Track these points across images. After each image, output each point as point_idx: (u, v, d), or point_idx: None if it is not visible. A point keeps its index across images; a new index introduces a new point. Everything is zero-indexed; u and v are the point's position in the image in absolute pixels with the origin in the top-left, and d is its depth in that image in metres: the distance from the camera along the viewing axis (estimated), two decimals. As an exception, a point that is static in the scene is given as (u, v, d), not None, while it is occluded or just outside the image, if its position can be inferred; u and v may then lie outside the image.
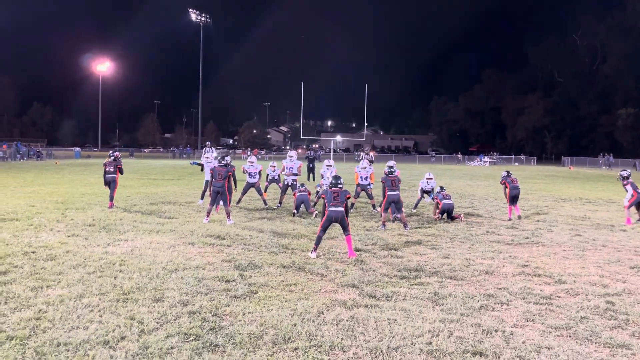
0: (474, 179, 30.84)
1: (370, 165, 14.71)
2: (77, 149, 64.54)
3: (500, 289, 6.72)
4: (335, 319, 5.36)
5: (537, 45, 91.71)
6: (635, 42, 74.41)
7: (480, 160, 63.17)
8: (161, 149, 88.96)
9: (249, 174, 14.47)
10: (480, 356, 4.49)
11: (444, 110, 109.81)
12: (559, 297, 6.45)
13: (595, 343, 4.92)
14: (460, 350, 4.61)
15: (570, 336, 5.08)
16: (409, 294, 6.33)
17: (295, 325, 5.12)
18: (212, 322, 5.12)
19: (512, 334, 5.04)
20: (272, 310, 5.59)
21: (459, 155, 69.82)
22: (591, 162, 60.31)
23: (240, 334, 4.86)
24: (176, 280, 6.61)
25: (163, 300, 5.77)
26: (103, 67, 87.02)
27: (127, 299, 5.78)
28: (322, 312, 5.56)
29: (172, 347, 4.49)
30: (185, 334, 4.79)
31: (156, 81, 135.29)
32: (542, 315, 5.68)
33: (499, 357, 4.48)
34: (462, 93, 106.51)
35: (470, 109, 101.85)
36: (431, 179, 15.05)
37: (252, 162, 14.65)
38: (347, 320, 5.31)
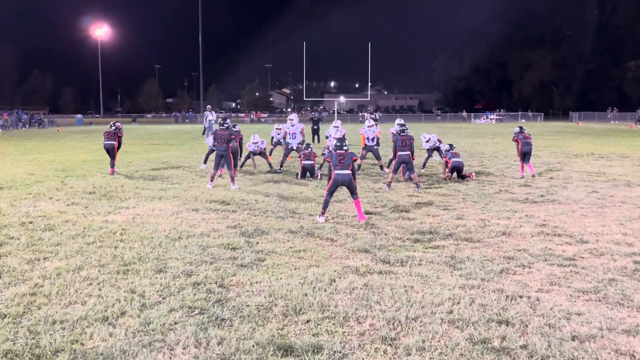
0: (481, 137, 30.30)
1: (376, 124, 14.21)
2: (79, 116, 63.99)
3: (520, 250, 6.39)
4: (348, 287, 5.05)
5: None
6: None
7: (487, 118, 62.27)
8: (164, 114, 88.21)
9: (254, 153, 14.08)
10: (507, 325, 4.18)
11: (448, 68, 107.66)
12: (583, 257, 6.11)
13: (628, 307, 4.59)
14: (484, 319, 4.30)
15: (599, 300, 4.75)
16: (424, 259, 6.01)
17: (306, 295, 4.81)
18: (217, 294, 4.82)
19: (538, 300, 4.72)
20: (281, 279, 5.29)
21: (464, 113, 68.79)
22: (600, 116, 59.32)
23: (248, 305, 4.56)
24: (179, 249, 6.31)
25: (166, 271, 5.47)
26: (101, 31, 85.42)
27: (128, 270, 5.48)
28: (334, 280, 5.25)
29: (175, 323, 4.19)
30: (190, 308, 4.50)
31: (156, 45, 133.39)
32: (568, 278, 5.35)
33: (527, 326, 4.17)
34: (467, 49, 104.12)
35: (476, 66, 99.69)
36: (428, 140, 14.44)
37: (257, 142, 14.05)
38: (360, 289, 5.00)
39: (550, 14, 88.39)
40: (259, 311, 4.45)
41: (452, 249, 6.43)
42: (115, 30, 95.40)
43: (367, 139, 13.71)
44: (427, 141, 14.35)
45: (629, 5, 74.60)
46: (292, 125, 14.44)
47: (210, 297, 4.75)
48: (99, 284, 5.07)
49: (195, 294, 4.82)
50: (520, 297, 4.79)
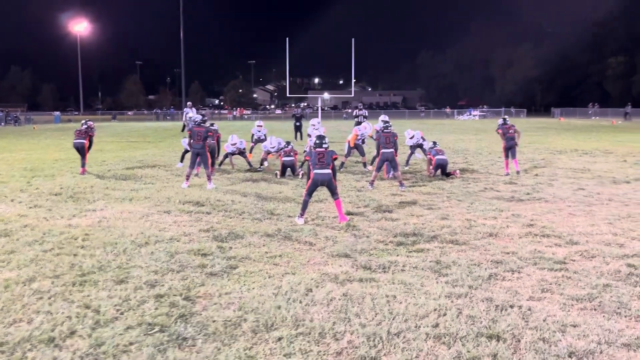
0: (465, 133, 30.12)
1: (365, 119, 14.40)
2: (57, 113, 62.49)
3: (508, 253, 6.05)
4: (325, 297, 4.65)
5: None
6: (626, -12, 72.60)
7: (470, 114, 62.30)
8: (145, 111, 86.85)
9: (232, 154, 13.64)
10: (498, 340, 3.81)
11: (432, 64, 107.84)
12: (574, 260, 5.79)
13: (626, 317, 4.26)
14: (473, 333, 3.93)
15: (595, 309, 4.42)
16: (407, 264, 5.63)
17: (279, 308, 4.39)
18: (182, 308, 4.38)
19: (529, 310, 4.36)
20: (253, 289, 4.86)
21: (448, 110, 68.73)
22: (581, 112, 59.70)
23: (214, 321, 4.14)
24: (145, 256, 5.84)
25: (127, 282, 5.01)
26: (80, 27, 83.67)
27: (85, 281, 5.01)
28: (311, 290, 4.84)
29: (130, 343, 3.74)
30: (149, 325, 4.05)
31: (137, 41, 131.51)
32: (560, 284, 5.01)
33: (519, 341, 3.81)
34: (450, 46, 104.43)
35: (459, 62, 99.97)
36: (412, 137, 14.13)
37: (235, 144, 13.56)
38: (339, 299, 4.60)
39: (532, 11, 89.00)
40: (226, 328, 4.03)
41: (437, 253, 6.07)
42: (95, 25, 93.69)
43: (358, 137, 13.58)
44: (411, 137, 14.03)
45: (609, 2, 75.20)
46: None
47: (173, 311, 4.32)
48: (50, 297, 4.59)
49: (157, 308, 4.38)
50: (511, 306, 4.43)
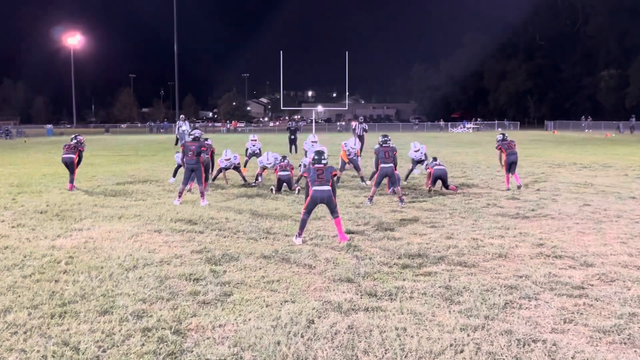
0: (460, 146, 29.89)
1: (360, 141, 14.07)
2: (49, 126, 61.93)
3: (521, 277, 5.67)
4: (329, 330, 4.24)
5: (517, 7, 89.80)
6: (616, 1, 73.26)
7: (464, 127, 62.27)
8: (139, 124, 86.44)
9: (226, 169, 13.25)
10: (524, 383, 3.42)
11: (425, 77, 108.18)
12: (592, 285, 5.42)
13: (659, 352, 3.89)
14: (495, 374, 3.54)
15: (625, 343, 4.04)
16: (415, 290, 5.24)
17: (279, 343, 3.98)
18: (171, 344, 3.96)
19: (555, 345, 3.97)
20: (249, 320, 4.45)
21: (441, 122, 68.72)
22: (574, 125, 59.83)
23: (207, 360, 3.72)
24: (133, 282, 5.42)
25: (112, 313, 4.58)
26: (74, 40, 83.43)
27: (65, 312, 4.57)
28: (313, 321, 4.43)
29: (112, 389, 3.33)
30: (134, 365, 3.63)
31: (131, 54, 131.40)
32: (582, 313, 4.63)
33: (548, 383, 3.42)
34: (443, 58, 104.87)
35: (452, 75, 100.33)
36: (418, 150, 13.73)
37: (229, 159, 13.16)
38: (344, 332, 4.20)
39: (524, 24, 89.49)
40: (220, 368, 3.62)
41: (446, 276, 5.68)
42: (89, 38, 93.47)
43: (348, 153, 13.25)
44: (416, 150, 13.59)
45: (600, 15, 75.86)
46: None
47: (161, 348, 3.89)
48: (25, 332, 4.16)
49: (143, 344, 3.95)
50: (534, 341, 4.04)
